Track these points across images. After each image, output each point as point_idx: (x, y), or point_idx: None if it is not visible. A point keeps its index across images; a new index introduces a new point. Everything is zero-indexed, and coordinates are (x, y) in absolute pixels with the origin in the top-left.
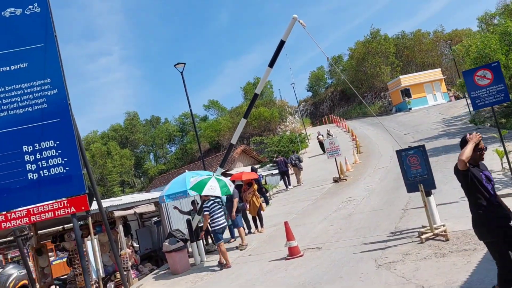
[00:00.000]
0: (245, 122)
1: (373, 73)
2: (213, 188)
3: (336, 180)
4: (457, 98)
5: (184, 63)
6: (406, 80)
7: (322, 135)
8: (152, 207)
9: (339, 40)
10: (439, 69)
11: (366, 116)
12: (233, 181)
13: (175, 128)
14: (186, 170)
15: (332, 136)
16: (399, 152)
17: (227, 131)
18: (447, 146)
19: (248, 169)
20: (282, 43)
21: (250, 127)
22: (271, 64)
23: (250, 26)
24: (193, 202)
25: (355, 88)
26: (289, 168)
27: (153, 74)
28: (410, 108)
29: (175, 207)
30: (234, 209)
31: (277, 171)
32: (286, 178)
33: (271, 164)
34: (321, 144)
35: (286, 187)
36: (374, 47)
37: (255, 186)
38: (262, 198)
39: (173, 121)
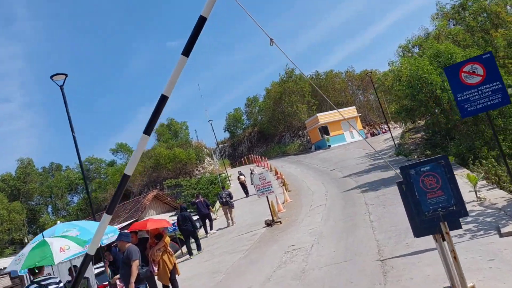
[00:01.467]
0: (147, 139)
1: (290, 112)
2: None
3: (269, 224)
4: (373, 134)
5: (66, 74)
6: (324, 117)
7: (244, 175)
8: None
9: (255, 83)
10: (354, 107)
11: (286, 155)
12: (134, 232)
13: (77, 175)
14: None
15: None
16: (405, 170)
17: (138, 176)
18: (385, 178)
19: (161, 217)
20: (202, 20)
21: (164, 170)
22: (186, 52)
23: (165, 72)
24: (70, 270)
25: (273, 128)
26: (210, 211)
27: (59, 121)
28: (330, 146)
29: None
30: (133, 278)
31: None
32: (208, 222)
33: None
34: (243, 186)
35: (206, 232)
36: (290, 86)
37: (167, 239)
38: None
39: (75, 168)
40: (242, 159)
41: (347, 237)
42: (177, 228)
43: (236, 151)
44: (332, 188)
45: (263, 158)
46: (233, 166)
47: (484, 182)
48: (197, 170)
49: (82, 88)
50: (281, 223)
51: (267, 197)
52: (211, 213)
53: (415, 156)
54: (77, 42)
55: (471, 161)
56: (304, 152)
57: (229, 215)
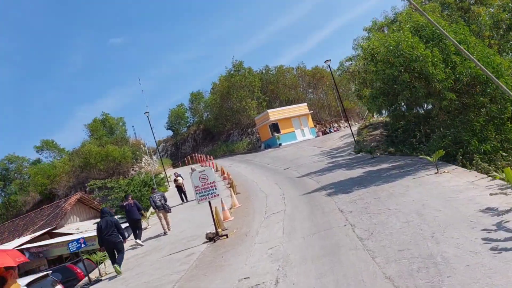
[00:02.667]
0: None
1: (238, 108)
2: None
3: (211, 238)
4: (324, 133)
5: None
6: (274, 114)
7: (181, 176)
8: None
9: (204, 83)
10: (305, 104)
11: (234, 154)
12: None
13: None
14: None
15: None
16: None
17: (64, 176)
18: (355, 178)
19: (85, 224)
20: None
21: (94, 170)
22: None
23: (107, 70)
24: None
25: (220, 126)
26: (142, 216)
27: None
28: (280, 144)
29: None
30: None
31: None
32: (138, 231)
33: (119, 216)
34: (180, 189)
35: (137, 241)
36: (238, 80)
37: (16, 285)
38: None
39: None
40: (186, 159)
41: (332, 268)
42: (96, 241)
43: (179, 150)
44: (290, 190)
45: (208, 157)
46: (175, 166)
47: (500, 181)
48: (133, 170)
49: (12, 84)
50: (227, 237)
51: (209, 203)
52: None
53: (378, 154)
54: (10, 35)
55: (460, 157)
56: (253, 151)
57: (164, 220)
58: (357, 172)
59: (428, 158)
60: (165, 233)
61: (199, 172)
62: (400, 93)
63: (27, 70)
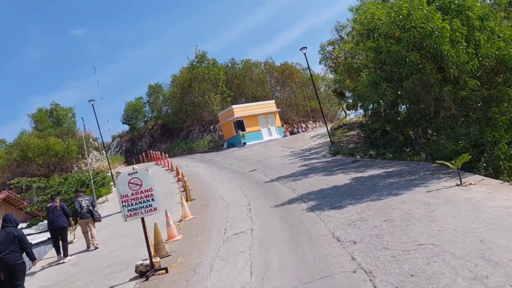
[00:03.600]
0: None
1: (200, 102)
2: None
3: (143, 273)
4: (292, 133)
5: None
6: (239, 110)
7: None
8: None
9: (167, 77)
10: (273, 101)
11: (193, 152)
12: None
13: None
14: None
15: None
16: None
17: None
18: (340, 187)
19: None
20: None
21: (33, 165)
22: None
23: (66, 63)
24: None
25: (179, 122)
26: (70, 224)
27: None
28: (245, 143)
29: None
30: None
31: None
32: (63, 244)
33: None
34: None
35: (60, 256)
36: (201, 72)
37: None
38: None
39: None
40: (140, 156)
41: None
42: None
43: (135, 147)
44: (258, 198)
45: (163, 154)
46: (129, 163)
47: None
48: (77, 166)
49: None
50: (167, 271)
51: (143, 220)
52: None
53: (358, 157)
54: None
55: (484, 164)
56: (215, 150)
57: (89, 232)
58: (340, 178)
59: (448, 164)
60: (88, 248)
61: (129, 175)
62: (409, 77)
63: None
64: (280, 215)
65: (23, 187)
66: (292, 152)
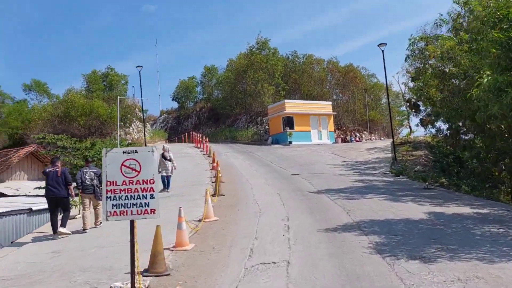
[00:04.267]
0: None
1: (253, 91)
2: None
3: None
4: (344, 140)
5: None
6: (292, 106)
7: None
8: None
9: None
10: (330, 102)
11: (235, 142)
12: None
13: None
14: None
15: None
16: None
17: (39, 123)
18: (421, 224)
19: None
20: None
21: (74, 124)
22: None
23: (133, 34)
24: None
25: (228, 108)
26: (71, 195)
27: None
28: (291, 142)
29: None
30: None
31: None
32: (63, 212)
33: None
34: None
35: (55, 231)
36: (259, 59)
37: None
38: None
39: None
40: (183, 136)
41: None
42: None
43: (180, 125)
44: (300, 213)
45: (203, 138)
46: (171, 141)
47: None
48: (116, 133)
49: (40, 22)
50: None
51: (132, 224)
52: (71, 204)
53: (426, 184)
54: None
55: None
56: (258, 143)
57: (88, 211)
58: (412, 209)
59: None
60: (84, 230)
61: (125, 153)
62: None
63: (57, 13)
64: (332, 249)
65: (48, 143)
66: (344, 162)
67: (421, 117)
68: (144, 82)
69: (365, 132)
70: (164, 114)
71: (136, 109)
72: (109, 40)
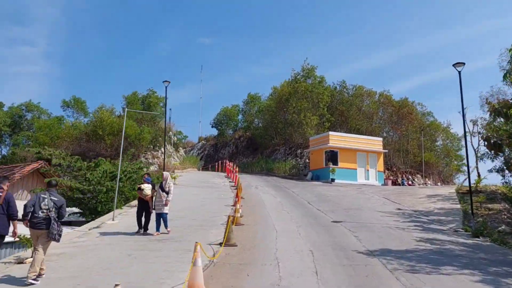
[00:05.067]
0: None
1: (295, 120)
2: None
3: None
4: (394, 183)
5: None
6: (337, 139)
7: (151, 183)
8: None
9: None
10: (381, 139)
11: (271, 174)
12: None
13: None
14: None
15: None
16: None
17: (66, 141)
18: None
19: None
20: None
21: (101, 144)
22: None
23: (188, 65)
24: None
25: (267, 138)
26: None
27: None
28: (333, 180)
29: None
30: None
31: None
32: None
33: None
34: (143, 206)
35: None
36: (304, 88)
37: None
38: None
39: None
40: (217, 164)
41: None
42: None
43: (217, 153)
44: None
45: (234, 168)
46: (204, 168)
47: None
48: (144, 157)
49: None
50: None
51: None
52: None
53: None
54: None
55: None
56: (296, 178)
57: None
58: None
59: None
60: (30, 281)
61: None
62: None
63: (122, 43)
64: None
65: (60, 162)
66: (399, 210)
67: (505, 160)
68: (187, 110)
69: (418, 175)
70: (202, 141)
71: (170, 132)
72: (164, 68)
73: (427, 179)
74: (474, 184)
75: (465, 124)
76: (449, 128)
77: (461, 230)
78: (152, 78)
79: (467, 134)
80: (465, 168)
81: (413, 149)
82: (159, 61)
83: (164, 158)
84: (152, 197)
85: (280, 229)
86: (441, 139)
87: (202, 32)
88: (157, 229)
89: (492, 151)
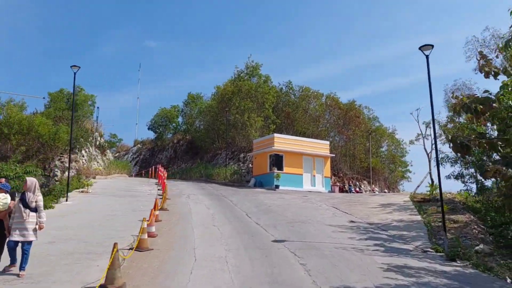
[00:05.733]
0: None
1: (237, 122)
2: None
3: None
4: (341, 190)
5: None
6: (282, 142)
7: (11, 194)
8: None
9: None
10: (328, 142)
11: (210, 180)
12: None
13: None
14: None
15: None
16: None
17: None
18: None
19: None
20: None
21: (7, 145)
22: None
23: (131, 68)
24: None
25: (208, 141)
26: None
27: None
28: (277, 186)
29: None
30: None
31: None
32: None
33: None
34: None
35: None
36: (248, 86)
37: None
38: None
39: None
40: (150, 169)
41: None
42: None
43: (154, 158)
44: None
45: (164, 173)
46: (138, 174)
47: None
48: (60, 160)
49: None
50: None
51: None
52: None
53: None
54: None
55: None
56: (237, 185)
57: None
58: None
59: None
60: None
61: None
62: None
63: (64, 43)
64: None
65: None
66: (353, 222)
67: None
68: (132, 114)
69: (364, 181)
70: (138, 145)
71: (97, 133)
72: (106, 71)
73: (374, 186)
74: (429, 192)
75: (433, 111)
76: (394, 133)
77: (430, 250)
78: (93, 80)
79: (419, 137)
80: (409, 174)
81: (359, 154)
82: (103, 63)
83: (91, 173)
84: (7, 214)
85: (201, 256)
86: (387, 145)
87: (149, 35)
88: (13, 261)
89: (459, 154)
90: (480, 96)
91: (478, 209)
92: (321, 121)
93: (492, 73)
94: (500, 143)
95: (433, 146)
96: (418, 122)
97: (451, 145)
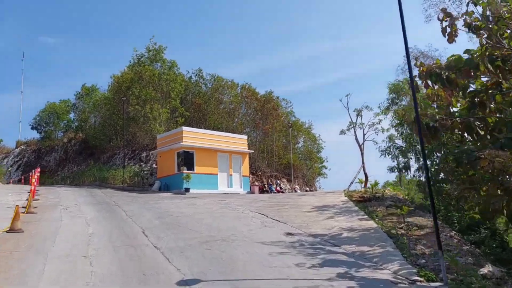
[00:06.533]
0: None
1: (138, 114)
2: None
3: None
4: (262, 190)
5: None
6: (192, 137)
7: None
8: None
9: None
10: (246, 137)
11: (105, 185)
12: None
13: None
14: None
15: None
16: None
17: None
18: None
19: None
20: None
21: None
22: None
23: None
24: None
25: (104, 139)
26: None
27: None
28: (188, 189)
29: None
30: None
31: None
32: None
33: None
34: None
35: None
36: (150, 72)
37: None
38: None
39: None
40: (30, 174)
41: None
42: None
43: (40, 161)
44: None
45: (35, 178)
46: (18, 180)
47: None
48: None
49: None
50: None
51: None
52: None
53: None
54: None
55: None
56: (138, 189)
57: None
58: None
59: None
60: None
61: None
62: None
63: None
64: None
65: None
66: (292, 235)
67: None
68: (8, 111)
69: (283, 179)
70: (22, 146)
71: None
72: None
73: (294, 184)
74: (368, 189)
75: (411, 69)
76: (310, 128)
77: (418, 278)
78: None
79: (351, 126)
80: (325, 171)
81: (278, 150)
82: None
83: None
84: None
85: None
86: (303, 141)
87: (45, 30)
88: None
89: (425, 138)
90: (452, 61)
91: (436, 209)
92: (237, 114)
93: (469, 29)
94: (478, 123)
95: (360, 140)
96: (348, 109)
97: (413, 127)
